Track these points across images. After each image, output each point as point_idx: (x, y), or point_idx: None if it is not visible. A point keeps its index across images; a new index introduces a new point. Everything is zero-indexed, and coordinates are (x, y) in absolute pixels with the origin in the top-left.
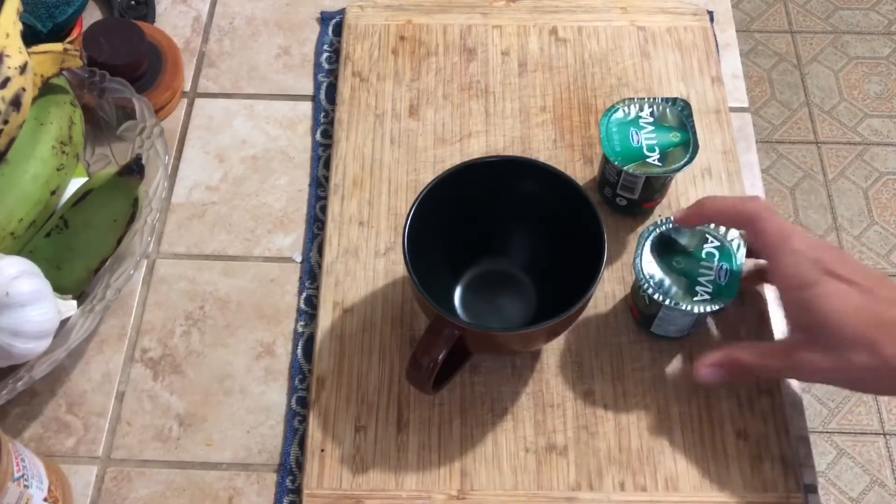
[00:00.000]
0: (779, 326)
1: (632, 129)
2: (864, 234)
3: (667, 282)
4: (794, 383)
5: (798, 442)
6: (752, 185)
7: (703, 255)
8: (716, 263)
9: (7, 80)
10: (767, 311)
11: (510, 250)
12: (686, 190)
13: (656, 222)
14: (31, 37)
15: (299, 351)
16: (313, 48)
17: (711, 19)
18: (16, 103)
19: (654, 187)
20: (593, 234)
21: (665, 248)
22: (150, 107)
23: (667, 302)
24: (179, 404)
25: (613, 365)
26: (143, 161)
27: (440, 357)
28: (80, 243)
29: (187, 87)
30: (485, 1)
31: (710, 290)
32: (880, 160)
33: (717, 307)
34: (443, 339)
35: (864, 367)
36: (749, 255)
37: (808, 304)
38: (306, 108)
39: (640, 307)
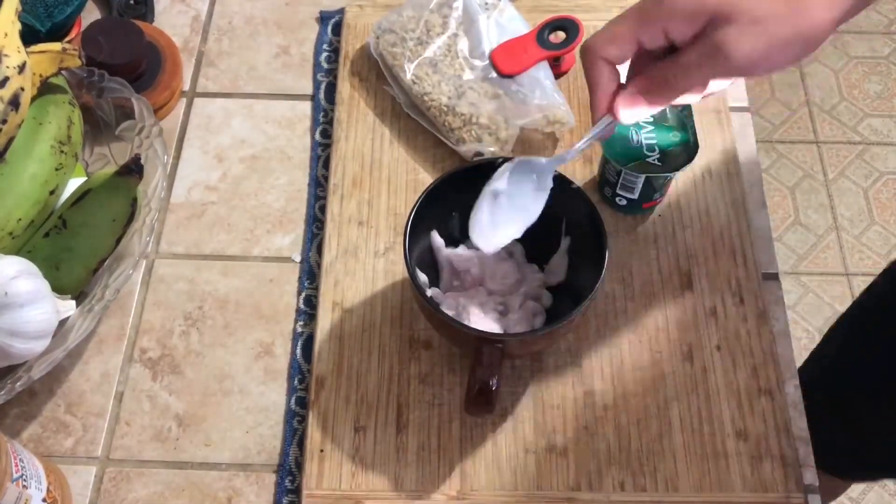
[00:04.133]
0: (779, 326)
1: (632, 128)
2: (864, 234)
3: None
4: (793, 383)
5: (798, 442)
6: (753, 184)
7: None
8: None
9: (6, 79)
10: (768, 311)
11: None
12: (686, 190)
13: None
14: (29, 36)
15: (298, 351)
16: (312, 48)
17: None
18: (14, 103)
19: (654, 187)
20: (594, 235)
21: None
22: (148, 106)
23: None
24: (178, 404)
25: (613, 365)
26: (142, 161)
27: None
28: (78, 243)
29: (186, 86)
30: None
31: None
32: (880, 160)
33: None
34: (494, 358)
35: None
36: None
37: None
38: (305, 107)
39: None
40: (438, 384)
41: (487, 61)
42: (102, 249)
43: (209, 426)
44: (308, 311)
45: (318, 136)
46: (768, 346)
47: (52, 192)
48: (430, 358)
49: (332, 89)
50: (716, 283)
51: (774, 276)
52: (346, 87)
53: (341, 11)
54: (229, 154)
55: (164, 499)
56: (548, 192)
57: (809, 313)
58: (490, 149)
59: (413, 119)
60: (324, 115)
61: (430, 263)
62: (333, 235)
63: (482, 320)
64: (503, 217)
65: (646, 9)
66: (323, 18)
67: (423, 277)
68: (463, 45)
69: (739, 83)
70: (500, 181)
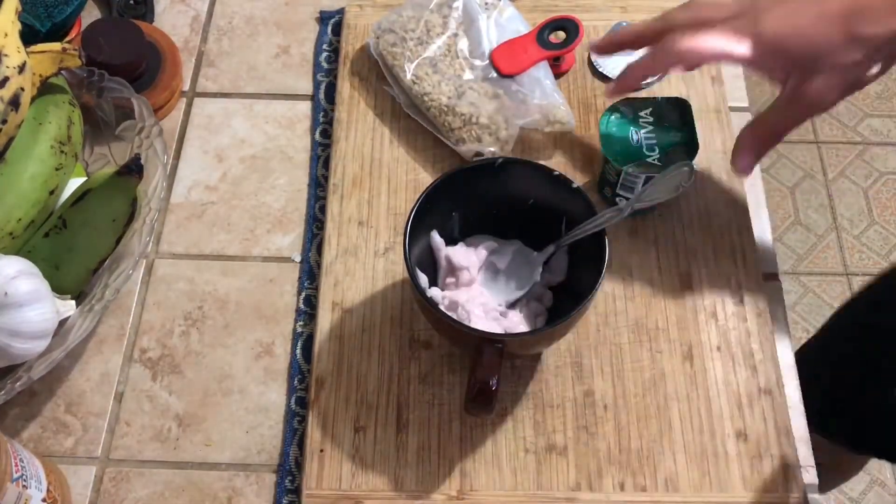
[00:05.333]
0: (779, 326)
1: (632, 128)
2: (863, 234)
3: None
4: (793, 384)
5: (798, 442)
6: (753, 184)
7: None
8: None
9: (6, 79)
10: (768, 311)
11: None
12: (686, 190)
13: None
14: (29, 36)
15: (298, 351)
16: (312, 48)
17: None
18: (14, 103)
19: None
20: (594, 235)
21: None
22: (148, 106)
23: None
24: (178, 404)
25: (613, 365)
26: (142, 161)
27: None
28: (78, 243)
29: (186, 86)
30: None
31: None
32: (880, 160)
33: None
34: (494, 358)
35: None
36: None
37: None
38: (305, 107)
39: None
40: (438, 384)
41: (487, 61)
42: (102, 249)
43: (209, 426)
44: (308, 311)
45: (318, 136)
46: (768, 346)
47: (52, 192)
48: (430, 358)
49: (332, 89)
50: (716, 283)
51: (774, 276)
52: (346, 87)
53: (341, 11)
54: (229, 154)
55: (164, 499)
56: (537, 277)
57: (809, 313)
58: (490, 149)
59: (413, 119)
60: (324, 115)
61: (430, 263)
62: (333, 235)
63: (482, 320)
64: (501, 286)
65: None
66: (323, 18)
67: (423, 277)
68: (463, 45)
69: (739, 83)
70: (501, 261)
